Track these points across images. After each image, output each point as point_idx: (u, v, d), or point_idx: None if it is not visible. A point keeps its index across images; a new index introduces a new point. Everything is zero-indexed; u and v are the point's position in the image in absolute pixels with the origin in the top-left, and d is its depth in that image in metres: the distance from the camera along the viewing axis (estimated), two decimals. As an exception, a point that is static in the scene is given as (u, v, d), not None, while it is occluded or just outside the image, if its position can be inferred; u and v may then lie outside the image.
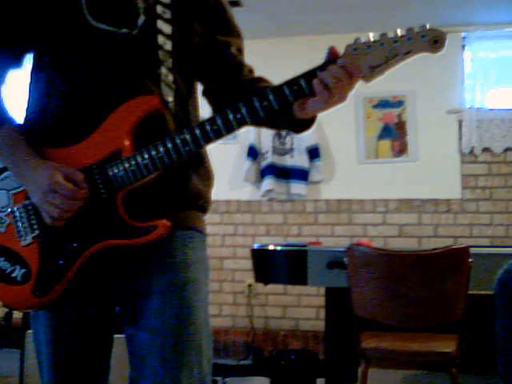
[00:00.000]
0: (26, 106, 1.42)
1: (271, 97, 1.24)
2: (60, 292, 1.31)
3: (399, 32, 1.20)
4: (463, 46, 4.52)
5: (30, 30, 1.36)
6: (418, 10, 4.25)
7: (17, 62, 1.43)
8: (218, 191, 5.43)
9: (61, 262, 1.30)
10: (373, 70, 1.22)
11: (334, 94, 1.24)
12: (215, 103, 1.50)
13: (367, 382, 2.78)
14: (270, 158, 4.67)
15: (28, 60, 1.44)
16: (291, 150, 4.69)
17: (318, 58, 1.27)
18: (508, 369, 2.38)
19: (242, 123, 1.26)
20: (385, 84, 5.27)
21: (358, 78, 1.24)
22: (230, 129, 1.26)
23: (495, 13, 4.31)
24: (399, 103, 4.62)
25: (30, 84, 1.42)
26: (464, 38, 4.52)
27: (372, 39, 1.21)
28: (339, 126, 4.64)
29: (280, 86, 1.26)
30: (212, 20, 1.45)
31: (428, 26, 1.19)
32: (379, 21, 4.34)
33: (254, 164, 4.72)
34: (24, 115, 1.41)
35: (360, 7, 4.25)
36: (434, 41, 1.19)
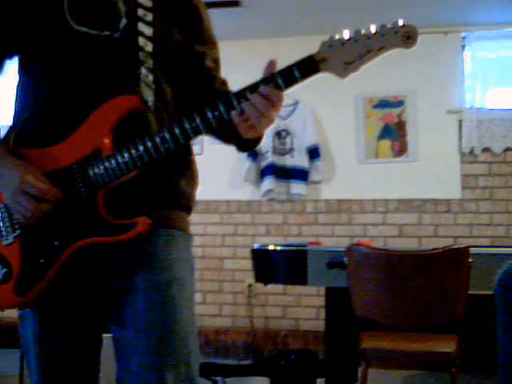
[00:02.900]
0: (14, 106, 1.44)
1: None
2: (41, 291, 1.31)
3: (373, 28, 1.23)
4: (463, 46, 4.52)
5: (11, 35, 1.38)
6: (418, 10, 4.25)
7: None
8: (218, 191, 5.43)
9: (42, 260, 1.31)
10: (347, 67, 1.24)
11: (259, 121, 1.26)
12: (183, 111, 1.52)
13: (367, 382, 2.79)
14: (270, 158, 4.67)
15: (13, 64, 1.45)
16: (291, 150, 4.69)
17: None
18: (508, 369, 2.38)
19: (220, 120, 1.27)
20: (385, 84, 5.26)
21: (280, 107, 1.27)
22: (208, 127, 1.28)
23: (495, 13, 4.31)
24: (399, 103, 4.61)
25: (18, 85, 1.44)
26: (464, 38, 4.52)
27: (346, 36, 1.23)
28: (339, 126, 4.65)
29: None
30: (190, 29, 1.46)
31: (400, 23, 1.22)
32: (379, 21, 4.31)
33: (254, 164, 4.72)
34: (12, 115, 1.43)
35: (360, 7, 4.24)
36: (407, 37, 1.22)
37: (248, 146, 1.46)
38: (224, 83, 1.52)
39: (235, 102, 1.26)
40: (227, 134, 1.40)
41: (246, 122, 1.26)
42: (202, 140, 4.48)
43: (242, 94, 1.26)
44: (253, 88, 1.26)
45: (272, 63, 1.27)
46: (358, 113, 4.64)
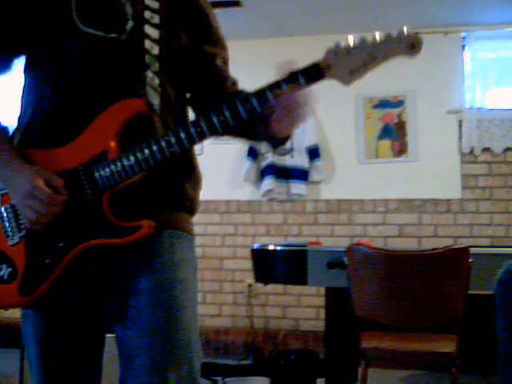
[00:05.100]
0: (19, 106, 1.44)
1: (241, 108, 1.26)
2: (46, 291, 1.32)
3: (378, 37, 1.24)
4: (463, 46, 4.53)
5: (19, 34, 1.38)
6: (418, 11, 4.25)
7: (6, 66, 1.45)
8: (218, 191, 5.43)
9: (47, 261, 1.32)
10: (352, 74, 1.25)
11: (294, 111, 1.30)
12: (197, 112, 1.53)
13: (367, 382, 2.79)
14: (270, 158, 4.67)
15: (20, 63, 1.45)
16: (291, 149, 4.69)
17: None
18: (508, 368, 2.38)
19: (225, 125, 1.27)
20: (385, 84, 5.24)
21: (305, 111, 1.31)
22: (213, 131, 1.28)
23: (495, 13, 4.31)
24: (399, 103, 4.62)
25: (23, 86, 1.44)
26: (464, 38, 4.52)
27: (351, 44, 1.24)
28: (339, 126, 4.65)
29: (248, 96, 1.27)
30: (199, 30, 1.47)
31: (405, 31, 1.23)
32: (379, 21, 4.34)
33: (254, 164, 4.72)
34: (17, 116, 1.43)
35: (360, 7, 4.25)
36: (412, 45, 1.23)
37: (278, 142, 1.45)
38: (234, 83, 1.53)
39: (240, 108, 1.26)
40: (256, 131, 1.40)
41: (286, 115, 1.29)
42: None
43: (247, 100, 1.26)
44: (259, 94, 1.27)
45: (289, 63, 1.27)
46: (358, 113, 4.64)
